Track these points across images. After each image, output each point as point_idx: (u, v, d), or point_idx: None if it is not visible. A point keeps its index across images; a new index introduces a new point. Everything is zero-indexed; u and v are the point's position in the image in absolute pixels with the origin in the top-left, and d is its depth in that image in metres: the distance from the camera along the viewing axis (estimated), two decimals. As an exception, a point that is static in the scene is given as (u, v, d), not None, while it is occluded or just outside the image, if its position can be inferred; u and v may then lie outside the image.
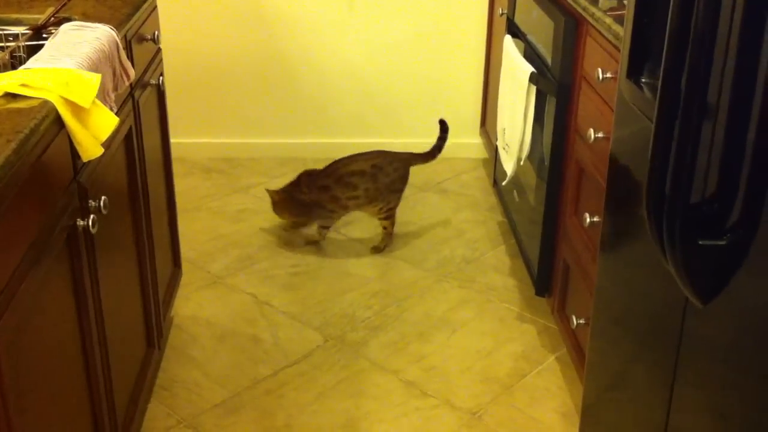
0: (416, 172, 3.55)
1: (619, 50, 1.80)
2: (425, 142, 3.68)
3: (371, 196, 2.86)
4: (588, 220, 1.96)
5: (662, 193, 1.19)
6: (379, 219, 2.94)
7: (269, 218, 3.16)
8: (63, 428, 1.46)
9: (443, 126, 3.03)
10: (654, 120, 1.20)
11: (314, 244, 2.96)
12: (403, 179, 2.95)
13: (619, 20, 1.80)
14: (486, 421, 2.15)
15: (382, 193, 2.87)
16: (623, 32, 1.51)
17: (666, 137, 1.18)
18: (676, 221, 1.15)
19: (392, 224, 2.95)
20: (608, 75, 1.86)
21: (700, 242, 1.15)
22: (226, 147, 3.69)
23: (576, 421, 2.14)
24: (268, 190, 2.98)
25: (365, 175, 2.85)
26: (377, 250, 2.94)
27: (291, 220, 2.97)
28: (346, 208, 2.90)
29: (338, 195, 2.85)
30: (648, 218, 1.23)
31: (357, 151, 3.67)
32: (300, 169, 3.57)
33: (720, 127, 1.15)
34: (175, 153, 2.53)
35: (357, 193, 2.85)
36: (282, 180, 3.47)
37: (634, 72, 1.45)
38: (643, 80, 1.43)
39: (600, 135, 1.90)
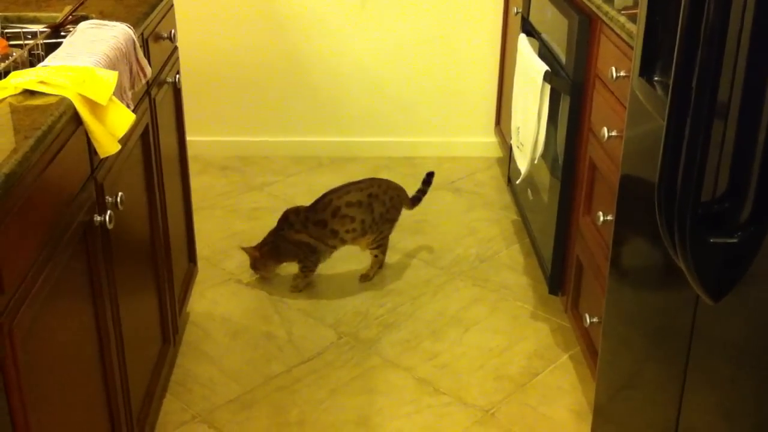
0: (431, 170, 3.56)
1: (632, 49, 1.80)
2: (439, 141, 3.70)
3: (367, 227, 2.69)
4: (601, 218, 1.96)
5: (673, 191, 1.20)
6: (371, 249, 2.77)
7: (284, 216, 3.18)
8: (79, 423, 1.48)
9: (428, 177, 2.91)
10: (665, 118, 1.21)
11: (296, 290, 2.72)
12: (397, 208, 2.80)
13: (633, 19, 1.80)
14: (498, 419, 2.16)
15: (377, 222, 2.71)
16: (636, 31, 1.51)
17: (677, 135, 1.18)
18: (687, 219, 1.16)
19: (384, 252, 2.79)
20: (622, 73, 1.86)
21: (712, 240, 1.15)
22: (241, 145, 3.71)
23: (588, 419, 2.14)
24: (245, 249, 2.72)
25: (362, 206, 2.68)
26: (366, 278, 2.77)
27: (274, 269, 2.74)
28: (344, 242, 2.70)
29: (337, 228, 2.66)
30: (659, 216, 1.23)
31: (370, 150, 3.69)
32: (314, 167, 3.61)
33: (731, 125, 1.16)
34: (190, 151, 2.55)
35: (354, 225, 2.67)
36: (297, 178, 3.50)
37: (646, 70, 1.45)
38: (656, 79, 1.44)
39: (613, 133, 1.91)
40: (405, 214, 3.18)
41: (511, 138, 2.92)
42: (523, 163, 2.60)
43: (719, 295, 1.19)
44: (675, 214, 1.18)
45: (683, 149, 1.17)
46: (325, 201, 2.67)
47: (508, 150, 3.17)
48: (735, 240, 1.14)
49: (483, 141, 3.70)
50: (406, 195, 2.86)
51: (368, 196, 2.70)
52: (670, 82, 1.19)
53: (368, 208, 2.69)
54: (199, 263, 2.70)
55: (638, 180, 1.52)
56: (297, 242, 2.66)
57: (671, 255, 1.24)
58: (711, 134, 1.13)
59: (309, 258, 2.68)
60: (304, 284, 2.71)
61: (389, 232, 2.79)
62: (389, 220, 2.77)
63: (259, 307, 2.62)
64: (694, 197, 1.15)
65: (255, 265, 2.71)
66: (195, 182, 3.31)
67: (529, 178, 2.73)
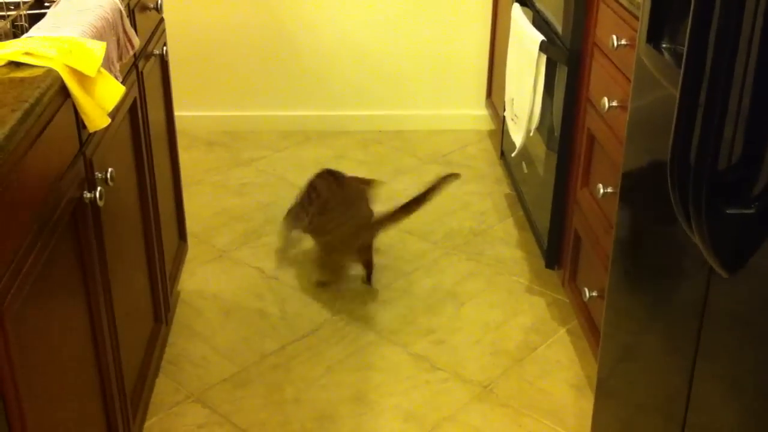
0: (421, 144, 3.53)
1: (634, 16, 1.76)
2: (429, 113, 3.65)
3: (311, 227, 2.53)
4: (601, 191, 1.92)
5: (688, 162, 1.16)
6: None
7: (273, 192, 3.13)
8: (72, 404, 1.44)
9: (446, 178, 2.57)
10: (679, 86, 1.16)
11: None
12: (347, 245, 2.50)
13: (635, -15, 1.76)
14: (497, 394, 2.13)
15: (315, 232, 2.54)
16: (642, -4, 1.47)
17: (691, 103, 1.15)
18: (703, 190, 1.12)
19: (328, 273, 2.58)
20: (623, 42, 1.82)
21: (728, 211, 1.12)
22: (228, 120, 3.64)
23: (588, 393, 2.13)
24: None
25: (320, 198, 2.52)
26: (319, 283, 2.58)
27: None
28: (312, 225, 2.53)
29: (304, 203, 2.56)
30: (672, 187, 1.20)
31: (359, 124, 3.64)
32: (302, 142, 3.56)
33: (747, 92, 1.12)
34: (176, 126, 2.49)
35: (313, 209, 2.52)
36: (285, 153, 3.45)
37: (654, 37, 1.41)
38: (664, 45, 1.40)
39: (614, 104, 1.87)
40: (398, 188, 3.15)
41: (503, 110, 2.88)
42: (517, 136, 2.56)
43: (734, 267, 1.16)
44: (690, 185, 1.14)
45: (698, 118, 1.13)
46: (322, 171, 2.61)
47: (501, 122, 3.13)
48: (752, 211, 1.10)
49: (474, 114, 3.65)
50: (389, 218, 2.53)
51: (325, 202, 2.50)
52: (685, 48, 1.15)
53: (319, 209, 2.51)
54: (189, 240, 2.65)
55: (645, 150, 1.49)
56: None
57: (684, 227, 1.21)
58: (728, 101, 1.09)
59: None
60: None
61: (325, 257, 2.55)
62: (331, 249, 2.52)
63: (251, 285, 2.57)
64: (710, 168, 1.11)
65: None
66: (182, 158, 3.24)
67: (524, 151, 2.69)
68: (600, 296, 2.01)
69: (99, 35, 1.52)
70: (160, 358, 2.23)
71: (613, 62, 1.93)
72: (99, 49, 1.42)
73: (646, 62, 1.44)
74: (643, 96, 1.49)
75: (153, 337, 2.04)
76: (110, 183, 1.56)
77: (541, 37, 2.32)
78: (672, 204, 1.22)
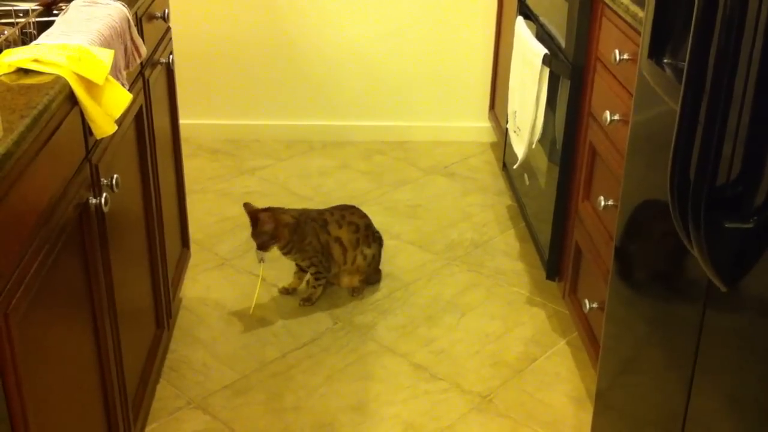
0: (424, 155, 3.55)
1: (636, 31, 1.78)
2: (432, 125, 3.67)
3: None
4: (602, 203, 1.94)
5: (687, 177, 1.18)
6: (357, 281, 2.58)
7: (276, 201, 3.14)
8: (75, 408, 1.45)
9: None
10: (679, 102, 1.18)
11: (308, 303, 2.54)
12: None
13: (637, 0, 1.77)
14: (496, 405, 2.14)
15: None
16: (645, 11, 1.49)
17: (692, 119, 1.16)
18: (702, 204, 1.13)
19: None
20: (626, 57, 1.83)
21: (727, 225, 1.13)
22: (232, 128, 3.66)
23: (587, 405, 2.13)
24: (248, 207, 2.47)
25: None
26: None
27: (273, 247, 2.46)
28: (363, 260, 2.54)
29: (361, 238, 2.54)
30: (672, 202, 1.21)
31: (362, 134, 3.66)
32: (306, 151, 3.57)
33: (746, 108, 1.13)
34: (181, 134, 2.51)
35: (370, 251, 2.56)
36: (288, 162, 3.46)
37: (655, 52, 1.43)
38: (665, 61, 1.41)
39: (616, 117, 1.88)
40: (399, 198, 3.17)
41: (506, 122, 2.89)
42: (520, 148, 2.57)
43: (732, 281, 1.17)
44: (689, 199, 1.15)
45: (698, 133, 1.14)
46: (355, 208, 2.58)
47: (503, 135, 3.15)
48: (750, 225, 1.12)
49: (477, 126, 3.67)
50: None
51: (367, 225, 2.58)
52: (685, 64, 1.16)
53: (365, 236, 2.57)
54: (192, 247, 2.66)
55: (646, 164, 1.50)
56: (323, 244, 2.49)
57: (683, 240, 1.22)
58: (728, 118, 1.10)
59: (323, 264, 2.50)
60: (318, 296, 2.54)
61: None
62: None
63: (253, 292, 2.58)
64: (709, 183, 1.12)
65: (267, 229, 2.41)
66: (186, 166, 3.25)
67: (526, 163, 2.70)
68: (600, 308, 2.02)
69: (107, 43, 1.54)
70: (162, 364, 2.24)
71: (615, 76, 1.95)
72: (107, 57, 1.43)
73: (648, 77, 1.45)
74: (644, 110, 1.50)
75: (155, 343, 2.06)
76: (115, 189, 1.57)
77: (544, 51, 2.34)
78: (672, 217, 1.24)
